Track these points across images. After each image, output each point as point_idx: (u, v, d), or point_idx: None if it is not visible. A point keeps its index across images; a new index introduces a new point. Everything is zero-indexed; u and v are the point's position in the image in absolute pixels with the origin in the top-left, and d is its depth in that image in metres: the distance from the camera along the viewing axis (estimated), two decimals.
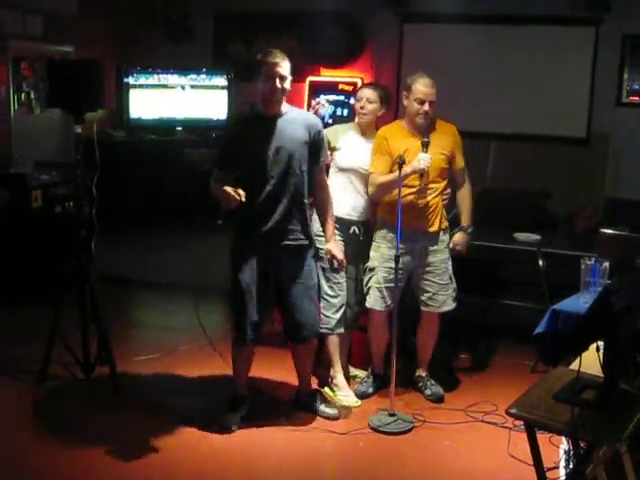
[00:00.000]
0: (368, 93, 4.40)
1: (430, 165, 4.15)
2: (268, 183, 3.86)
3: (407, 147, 4.22)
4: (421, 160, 4.13)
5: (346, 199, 4.38)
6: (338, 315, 4.39)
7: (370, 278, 4.38)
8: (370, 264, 4.38)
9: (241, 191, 3.70)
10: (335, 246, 4.09)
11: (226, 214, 3.99)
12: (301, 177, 3.95)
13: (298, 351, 4.23)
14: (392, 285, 4.25)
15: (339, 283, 4.37)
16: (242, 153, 3.88)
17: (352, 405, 4.40)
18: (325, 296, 4.37)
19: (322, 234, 4.21)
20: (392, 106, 4.59)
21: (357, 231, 4.43)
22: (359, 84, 7.53)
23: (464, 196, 4.47)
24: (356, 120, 4.48)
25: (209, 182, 3.97)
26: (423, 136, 4.22)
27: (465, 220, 4.45)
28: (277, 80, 3.80)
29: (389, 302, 4.32)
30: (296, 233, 3.97)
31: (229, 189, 3.70)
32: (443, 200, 4.36)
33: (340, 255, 4.08)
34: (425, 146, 4.16)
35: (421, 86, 4.21)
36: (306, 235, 4.02)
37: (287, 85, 3.85)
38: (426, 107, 4.20)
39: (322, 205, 4.12)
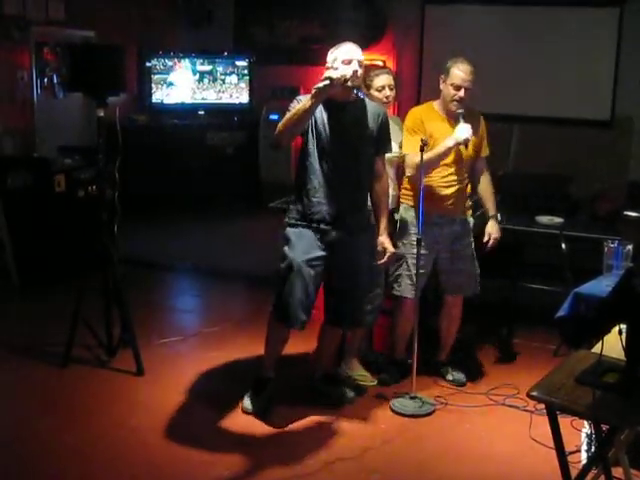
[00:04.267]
0: (389, 80, 4.29)
1: (472, 135, 4.09)
2: (334, 170, 3.82)
3: (440, 131, 4.18)
4: (464, 130, 4.05)
5: None
6: (372, 309, 4.35)
7: (400, 266, 4.35)
8: (398, 251, 4.31)
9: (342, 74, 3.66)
10: (387, 239, 3.99)
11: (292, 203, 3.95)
12: (366, 166, 3.93)
13: (332, 333, 4.22)
14: (421, 272, 4.25)
15: (380, 279, 4.35)
16: (312, 131, 3.81)
17: (369, 384, 4.43)
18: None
19: None
20: (405, 88, 4.49)
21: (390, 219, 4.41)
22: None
23: (487, 184, 4.43)
24: None
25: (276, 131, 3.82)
26: (455, 121, 4.17)
27: (492, 209, 4.42)
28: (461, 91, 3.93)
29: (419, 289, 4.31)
30: (357, 222, 3.95)
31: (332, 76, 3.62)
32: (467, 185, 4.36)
33: (392, 248, 4.00)
34: (461, 117, 4.10)
35: (459, 71, 4.12)
36: (365, 225, 3.99)
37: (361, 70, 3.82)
38: (461, 93, 4.12)
39: (377, 197, 4.00)
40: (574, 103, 7.07)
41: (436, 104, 4.30)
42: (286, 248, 3.91)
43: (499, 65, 7.19)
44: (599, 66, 7.01)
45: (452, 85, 4.14)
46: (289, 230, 3.93)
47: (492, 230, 4.39)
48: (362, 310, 4.11)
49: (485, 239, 4.38)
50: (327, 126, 3.81)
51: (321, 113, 3.82)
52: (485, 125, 4.39)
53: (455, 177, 4.26)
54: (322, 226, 3.86)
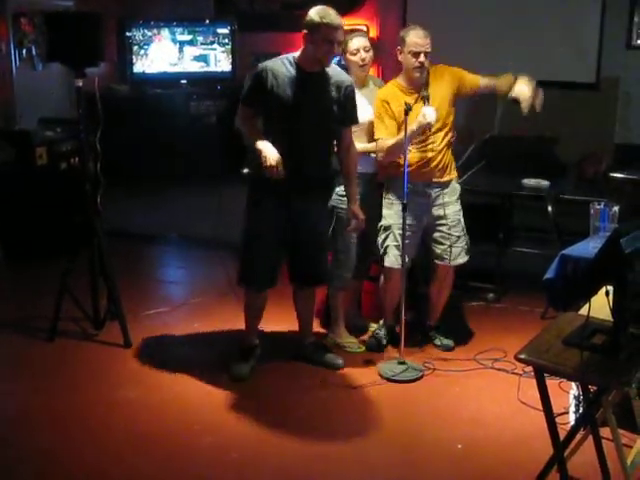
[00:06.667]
0: (364, 42, 4.23)
1: (436, 118, 4.05)
2: (298, 137, 3.83)
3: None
4: (426, 115, 4.00)
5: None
6: (350, 274, 4.40)
7: (387, 237, 4.32)
8: (385, 223, 4.31)
9: (281, 168, 3.72)
10: (358, 207, 4.03)
11: (251, 162, 3.91)
12: (329, 137, 3.95)
13: (303, 295, 4.24)
14: (409, 242, 4.24)
15: (353, 243, 4.35)
16: (274, 101, 3.82)
17: (356, 351, 4.44)
18: (340, 255, 4.35)
19: (344, 194, 4.18)
20: (389, 52, 4.42)
21: (370, 184, 4.39)
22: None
23: (501, 77, 4.32)
24: (352, 72, 4.23)
25: (234, 120, 3.96)
26: (421, 90, 4.13)
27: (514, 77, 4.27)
28: (335, 45, 3.78)
29: (407, 259, 4.29)
30: (319, 186, 4.00)
31: (272, 161, 3.70)
32: (451, 144, 4.30)
33: (362, 216, 4.04)
34: (426, 100, 4.07)
35: (414, 37, 4.07)
36: (327, 187, 4.06)
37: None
38: (421, 58, 4.07)
39: (347, 166, 4.02)
40: (560, 65, 7.01)
41: (400, 79, 4.25)
42: (249, 214, 3.98)
43: (484, 28, 7.13)
44: (584, 28, 6.95)
45: (410, 53, 4.09)
46: (252, 196, 3.99)
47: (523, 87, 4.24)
48: (325, 269, 4.15)
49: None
50: (290, 93, 3.80)
51: (285, 79, 3.81)
52: (454, 69, 4.28)
53: (434, 142, 4.20)
54: (280, 190, 3.87)
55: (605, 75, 6.86)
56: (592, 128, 6.75)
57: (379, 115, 4.20)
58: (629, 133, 6.76)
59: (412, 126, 4.03)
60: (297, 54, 3.88)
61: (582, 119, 6.77)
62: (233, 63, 8.57)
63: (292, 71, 3.84)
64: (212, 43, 8.58)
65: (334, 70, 3.96)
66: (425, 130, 4.09)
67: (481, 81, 4.31)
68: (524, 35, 7.06)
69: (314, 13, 3.77)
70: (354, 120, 4.01)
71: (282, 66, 3.87)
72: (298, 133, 3.84)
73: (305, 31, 3.78)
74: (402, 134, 4.02)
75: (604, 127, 6.84)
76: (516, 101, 4.22)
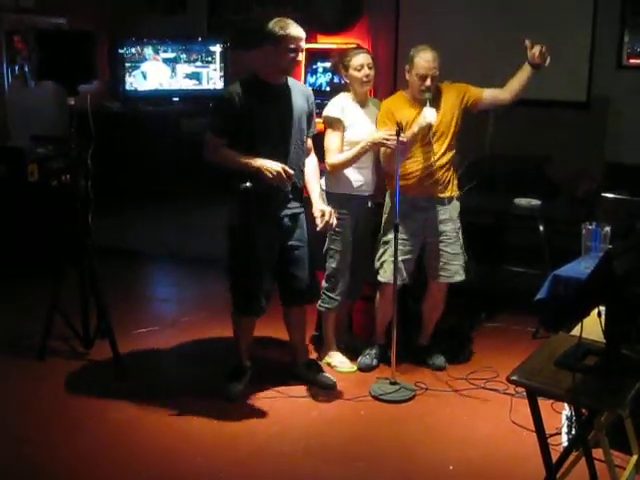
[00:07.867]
0: (368, 59, 4.23)
1: (436, 120, 4.06)
2: (276, 154, 3.83)
3: (411, 118, 4.14)
4: (427, 116, 4.02)
5: (360, 175, 4.29)
6: (340, 297, 4.38)
7: (385, 251, 4.32)
8: (385, 237, 4.31)
9: (290, 170, 3.75)
10: (323, 204, 4.04)
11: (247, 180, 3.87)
12: (302, 147, 3.98)
13: (295, 314, 4.22)
14: (408, 257, 4.24)
15: (345, 266, 4.35)
16: (248, 122, 3.82)
17: (348, 371, 4.42)
18: (332, 278, 4.36)
19: (343, 214, 4.22)
20: (382, 72, 4.46)
21: (372, 205, 4.40)
22: None
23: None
24: (354, 89, 4.28)
25: (207, 151, 4.00)
26: (423, 106, 4.13)
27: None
28: (300, 54, 3.82)
29: (405, 275, 4.29)
30: (296, 201, 4.02)
31: (279, 168, 3.71)
32: (452, 161, 4.30)
33: (328, 208, 4.03)
34: (428, 102, 4.06)
35: (422, 61, 4.07)
36: (302, 202, 4.07)
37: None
38: (428, 82, 4.07)
39: (311, 170, 4.10)
40: (550, 84, 7.03)
41: (406, 92, 4.28)
42: (240, 241, 3.96)
43: (474, 49, 7.16)
44: (575, 47, 6.98)
45: (417, 75, 4.09)
46: (239, 222, 3.97)
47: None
48: (314, 285, 4.15)
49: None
50: (262, 110, 3.83)
51: (255, 96, 3.83)
52: (459, 84, 4.34)
53: (435, 156, 4.20)
54: (269, 211, 3.91)
55: (596, 94, 6.88)
56: (583, 147, 6.77)
57: (383, 121, 4.21)
58: (620, 152, 6.78)
59: (413, 128, 4.06)
60: (256, 72, 3.92)
61: (573, 138, 6.79)
62: (225, 81, 8.58)
63: (259, 87, 3.86)
64: (204, 61, 8.60)
65: (295, 82, 4.04)
66: (426, 134, 4.10)
67: (485, 92, 4.34)
68: (514, 54, 7.08)
69: (275, 25, 3.83)
70: (315, 128, 4.13)
71: (246, 85, 3.89)
72: (278, 145, 3.86)
73: (267, 44, 3.83)
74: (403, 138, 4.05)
75: (595, 146, 6.86)
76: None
